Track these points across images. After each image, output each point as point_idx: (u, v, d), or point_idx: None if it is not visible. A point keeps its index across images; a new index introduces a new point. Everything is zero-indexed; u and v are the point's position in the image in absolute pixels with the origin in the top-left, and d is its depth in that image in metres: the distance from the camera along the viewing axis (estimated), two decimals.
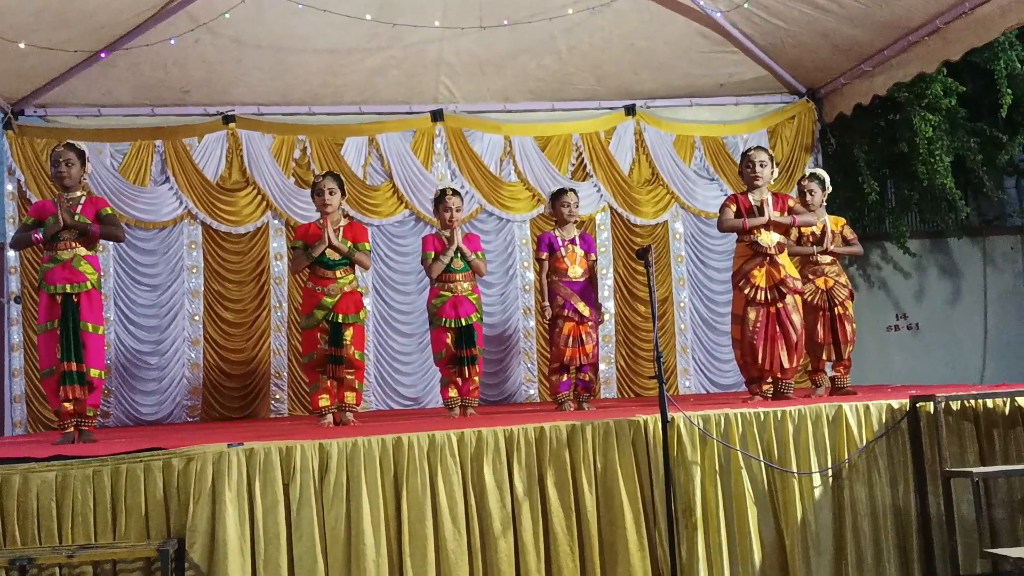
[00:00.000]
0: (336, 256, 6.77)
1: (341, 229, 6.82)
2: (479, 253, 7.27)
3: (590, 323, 7.38)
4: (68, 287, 6.14)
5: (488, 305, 9.09)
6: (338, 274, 6.78)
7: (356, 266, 6.93)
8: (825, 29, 8.64)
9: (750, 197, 6.88)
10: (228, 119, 9.34)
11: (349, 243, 6.80)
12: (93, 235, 6.28)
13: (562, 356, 7.36)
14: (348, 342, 6.74)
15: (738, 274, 6.85)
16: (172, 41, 8.16)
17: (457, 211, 7.20)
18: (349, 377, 6.82)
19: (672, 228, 10.03)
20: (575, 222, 7.65)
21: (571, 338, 7.33)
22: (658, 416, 5.24)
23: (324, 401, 6.81)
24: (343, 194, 6.94)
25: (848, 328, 7.33)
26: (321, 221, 6.82)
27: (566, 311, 7.35)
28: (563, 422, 5.40)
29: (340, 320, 6.70)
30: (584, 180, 9.81)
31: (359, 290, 6.99)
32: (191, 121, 9.35)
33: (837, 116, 9.90)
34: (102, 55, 8.37)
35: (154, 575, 4.75)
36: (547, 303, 7.48)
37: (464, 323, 7.03)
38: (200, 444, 5.02)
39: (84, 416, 6.25)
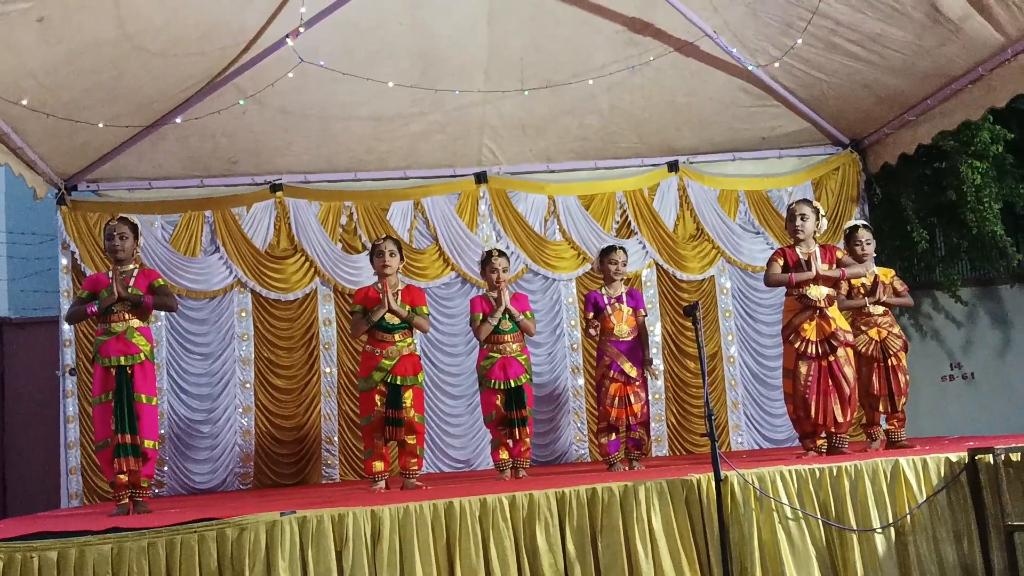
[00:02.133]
0: (395, 320, 6.79)
1: (399, 293, 6.86)
2: (527, 313, 7.28)
3: (637, 383, 7.33)
4: (122, 359, 6.21)
5: (536, 365, 9.07)
6: (397, 337, 6.80)
7: (414, 329, 6.96)
8: (866, 80, 8.63)
9: (797, 251, 6.85)
10: (275, 188, 9.47)
11: (408, 307, 6.84)
12: (146, 306, 6.37)
13: (609, 416, 7.31)
14: (408, 404, 6.74)
15: (788, 328, 6.80)
16: (220, 113, 8.31)
17: (504, 272, 7.23)
18: (411, 442, 6.81)
19: (719, 283, 9.98)
20: (622, 279, 7.64)
21: (617, 398, 7.28)
22: (711, 475, 5.18)
23: (378, 466, 6.80)
24: (401, 258, 7.00)
25: (902, 379, 7.21)
26: (379, 285, 6.86)
27: (612, 371, 7.31)
28: (615, 483, 5.35)
29: (399, 382, 6.71)
30: (629, 237, 9.81)
31: (417, 353, 7.01)
32: (239, 191, 9.50)
33: (882, 166, 9.84)
34: (153, 129, 8.53)
35: None
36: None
37: (514, 384, 7.03)
38: (253, 513, 5.03)
39: (139, 487, 6.29)
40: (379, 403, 6.73)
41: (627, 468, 7.24)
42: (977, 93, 8.10)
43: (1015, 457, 5.62)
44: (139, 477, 6.27)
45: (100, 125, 7.92)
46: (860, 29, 7.84)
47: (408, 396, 6.75)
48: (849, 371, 6.69)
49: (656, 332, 9.72)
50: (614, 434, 7.36)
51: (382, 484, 6.78)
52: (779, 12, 7.95)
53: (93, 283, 6.51)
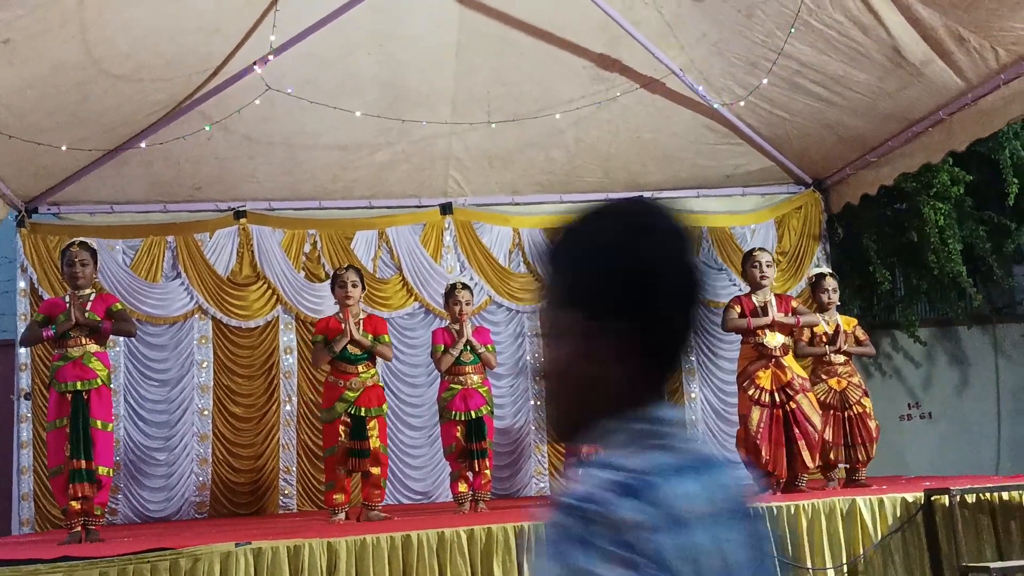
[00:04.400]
0: (358, 351, 6.77)
1: (361, 323, 6.83)
2: (489, 346, 7.29)
3: None
4: (79, 384, 6.15)
5: (498, 397, 9.04)
6: (360, 368, 6.78)
7: (377, 359, 6.94)
8: (829, 121, 8.73)
9: (753, 299, 6.92)
10: (239, 214, 9.42)
11: (370, 337, 6.81)
12: (104, 332, 6.32)
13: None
14: (373, 435, 6.72)
15: (743, 375, 6.87)
16: (185, 138, 8.28)
17: (467, 304, 7.24)
18: (375, 472, 6.79)
19: None
20: None
21: None
22: None
23: (339, 498, 6.77)
24: (363, 287, 6.99)
25: (872, 425, 7.25)
26: (341, 315, 6.84)
27: None
28: None
29: (363, 413, 6.69)
30: None
31: (380, 384, 6.99)
32: (202, 217, 9.44)
33: (844, 206, 9.94)
34: (117, 153, 8.47)
35: None
36: None
37: (474, 416, 7.02)
38: (207, 543, 4.97)
39: (92, 515, 6.21)
40: (343, 434, 6.70)
41: None
42: (938, 136, 8.22)
43: (971, 499, 5.66)
44: (92, 504, 6.19)
45: (63, 148, 7.86)
46: (824, 70, 7.94)
47: (373, 426, 6.73)
48: (815, 417, 6.74)
49: None
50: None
51: (342, 516, 6.74)
52: (744, 52, 8.04)
53: (50, 307, 6.45)
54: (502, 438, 9.25)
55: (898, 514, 5.60)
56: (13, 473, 8.80)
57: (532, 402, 9.66)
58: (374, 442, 6.72)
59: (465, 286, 7.34)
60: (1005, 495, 5.72)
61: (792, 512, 5.50)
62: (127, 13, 6.90)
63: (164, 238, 9.33)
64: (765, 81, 8.13)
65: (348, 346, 6.73)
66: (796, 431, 6.68)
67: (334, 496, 6.78)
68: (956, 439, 11.19)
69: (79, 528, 6.18)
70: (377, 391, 6.86)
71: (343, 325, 6.76)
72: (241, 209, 9.44)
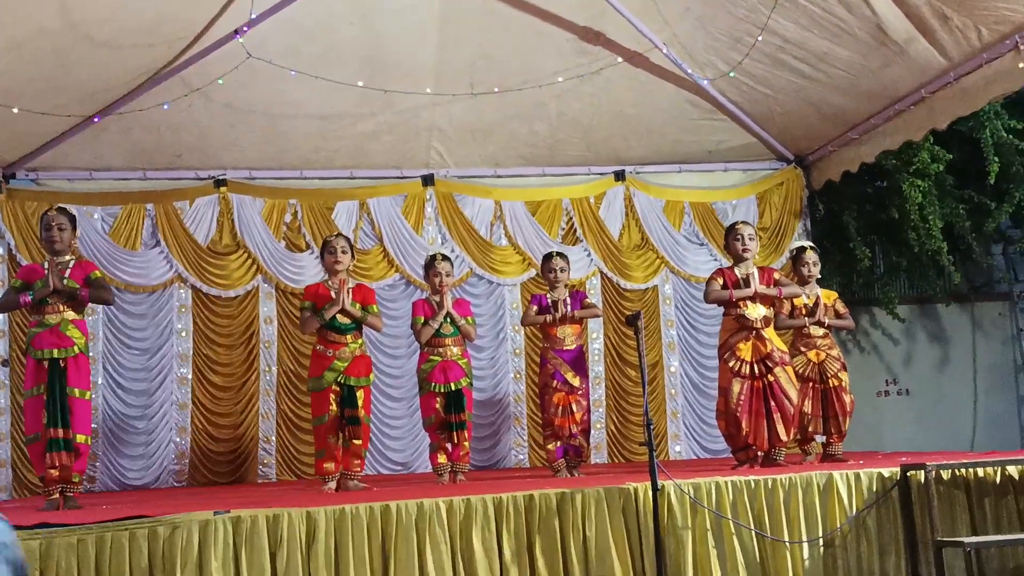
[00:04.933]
0: (347, 320, 6.75)
1: (350, 292, 6.81)
2: (469, 318, 7.28)
3: (579, 392, 7.35)
4: (56, 352, 6.10)
5: (478, 370, 9.06)
6: (349, 338, 6.77)
7: (364, 329, 6.93)
8: (812, 98, 8.74)
9: (736, 271, 6.94)
10: (220, 183, 9.37)
11: (359, 307, 6.80)
12: (82, 299, 6.27)
13: (552, 424, 7.33)
14: (360, 405, 6.72)
15: (724, 347, 6.89)
16: (165, 106, 8.21)
17: (447, 276, 7.23)
18: (356, 442, 6.78)
19: (662, 292, 10.04)
20: (565, 285, 7.64)
21: (560, 407, 7.29)
22: (648, 484, 5.21)
23: (330, 467, 6.77)
24: (353, 255, 6.98)
25: (847, 399, 7.32)
26: (330, 282, 6.83)
27: (555, 381, 7.32)
28: (552, 490, 5.36)
29: (353, 383, 6.69)
30: (575, 244, 9.84)
31: (368, 354, 7.00)
32: (183, 185, 9.38)
33: (826, 183, 9.98)
34: (95, 120, 8.39)
35: None
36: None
37: (453, 388, 7.03)
38: (186, 512, 4.97)
39: (70, 482, 6.19)
40: (333, 403, 6.69)
41: (570, 475, 7.26)
42: (920, 114, 8.24)
43: (946, 474, 5.72)
44: (70, 472, 6.16)
45: (41, 113, 7.79)
46: (807, 47, 7.95)
47: (360, 396, 6.73)
48: (792, 390, 6.77)
49: (598, 340, 9.77)
50: (559, 442, 7.37)
51: (332, 484, 6.74)
52: (728, 27, 8.03)
53: (28, 273, 6.40)
54: (482, 410, 9.27)
55: (874, 489, 5.64)
56: None
57: (511, 375, 9.68)
58: (360, 412, 6.73)
59: (445, 258, 7.33)
60: (980, 471, 5.77)
61: (769, 486, 5.53)
62: None
63: (143, 206, 9.28)
64: (747, 57, 8.13)
65: (338, 316, 6.71)
66: (772, 404, 6.72)
67: (325, 464, 6.78)
68: (933, 415, 11.28)
69: (57, 495, 6.17)
70: (365, 361, 6.85)
71: (332, 293, 6.74)
72: (222, 178, 9.38)
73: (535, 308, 7.50)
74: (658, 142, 9.84)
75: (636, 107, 9.31)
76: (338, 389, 6.70)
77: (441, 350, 7.11)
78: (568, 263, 7.67)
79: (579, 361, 7.44)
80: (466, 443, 7.18)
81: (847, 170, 9.51)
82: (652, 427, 5.29)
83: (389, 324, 9.49)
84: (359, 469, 6.87)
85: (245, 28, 7.48)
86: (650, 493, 5.20)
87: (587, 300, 7.72)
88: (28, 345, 6.25)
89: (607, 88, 8.96)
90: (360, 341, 6.87)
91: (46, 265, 6.25)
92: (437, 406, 7.05)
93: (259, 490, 7.90)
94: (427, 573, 5.05)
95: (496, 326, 9.75)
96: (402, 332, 9.42)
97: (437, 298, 7.18)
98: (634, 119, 9.48)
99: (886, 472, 5.69)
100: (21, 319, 8.52)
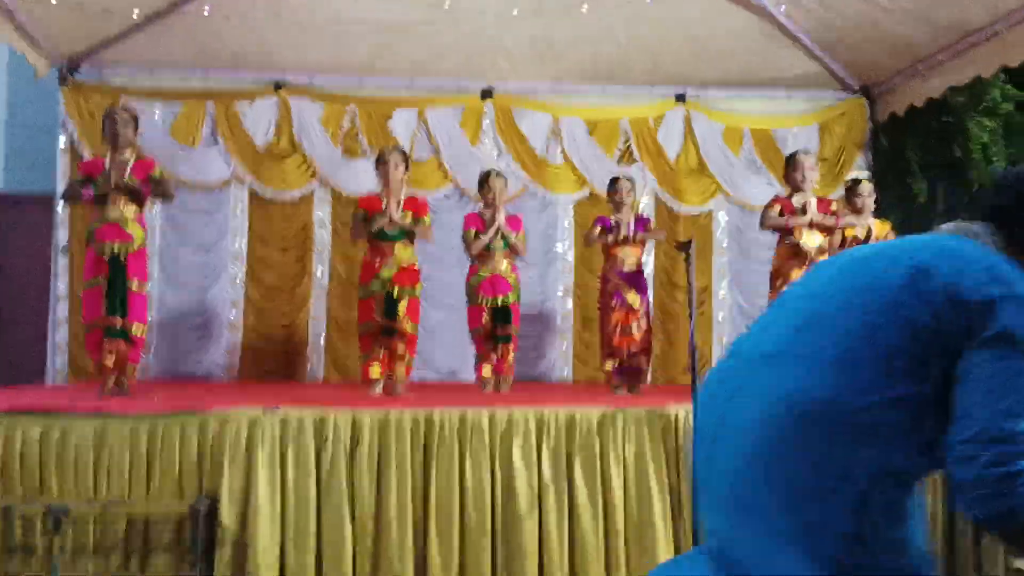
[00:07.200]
0: (395, 230, 6.82)
1: (401, 202, 6.87)
2: (520, 234, 7.32)
3: (639, 312, 7.40)
4: (116, 246, 6.24)
5: (527, 285, 9.08)
6: (397, 248, 6.85)
7: (415, 239, 7.00)
8: (883, 27, 8.53)
9: (793, 200, 6.89)
10: (279, 86, 9.39)
11: (410, 216, 6.85)
12: (143, 196, 6.38)
13: (611, 344, 7.40)
14: (403, 315, 6.82)
15: (777, 273, 6.88)
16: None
17: (500, 192, 7.26)
18: (401, 350, 6.90)
19: (716, 218, 9.98)
20: (631, 207, 7.67)
21: (620, 327, 7.37)
22: (690, 408, 5.26)
23: (375, 372, 6.91)
24: (407, 169, 7.01)
25: None
26: (383, 194, 6.89)
27: (615, 301, 7.38)
28: (594, 408, 5.43)
29: (396, 293, 6.78)
30: (631, 165, 9.78)
31: (416, 263, 7.07)
32: (242, 86, 9.40)
33: (890, 116, 9.79)
34: (161, 17, 8.42)
35: (185, 532, 4.86)
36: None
37: (500, 302, 7.10)
38: (236, 406, 5.10)
39: (124, 372, 6.36)
40: (377, 311, 6.80)
41: (627, 393, 7.33)
42: (992, 50, 8.03)
43: None
44: (125, 361, 6.34)
45: (107, 9, 7.83)
46: None
47: (403, 306, 6.82)
48: None
49: (649, 263, 9.75)
50: (617, 360, 7.45)
51: (379, 389, 6.88)
52: None
53: (89, 167, 6.51)
54: (529, 325, 9.32)
55: None
56: (49, 324, 8.98)
57: (560, 292, 9.71)
58: (403, 322, 6.82)
59: (499, 174, 7.37)
60: None
61: None
62: None
63: (203, 104, 9.32)
64: None
65: (385, 226, 6.78)
66: None
67: (369, 368, 6.93)
68: None
69: (112, 383, 6.35)
70: (412, 271, 6.93)
71: (382, 205, 6.80)
72: (282, 80, 9.40)
73: (598, 228, 7.53)
74: (722, 65, 9.65)
75: (703, 30, 9.14)
76: (382, 297, 6.79)
77: (491, 264, 7.17)
78: (634, 186, 7.69)
79: (639, 282, 7.49)
80: (511, 356, 7.27)
81: (913, 104, 9.32)
82: (697, 353, 5.32)
83: (440, 234, 9.54)
84: (405, 375, 6.99)
85: None
86: (691, 418, 5.25)
87: (651, 225, 7.75)
88: (89, 237, 6.38)
89: (675, 9, 8.79)
90: (409, 250, 6.94)
91: (107, 160, 6.35)
92: (484, 319, 7.13)
93: (307, 389, 8.06)
94: (466, 481, 5.17)
95: (547, 243, 9.76)
96: (453, 243, 9.46)
97: (489, 212, 7.21)
98: (700, 41, 9.29)
99: None
100: (83, 211, 8.66)
